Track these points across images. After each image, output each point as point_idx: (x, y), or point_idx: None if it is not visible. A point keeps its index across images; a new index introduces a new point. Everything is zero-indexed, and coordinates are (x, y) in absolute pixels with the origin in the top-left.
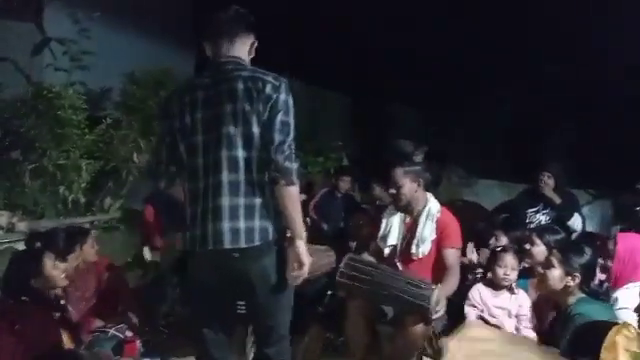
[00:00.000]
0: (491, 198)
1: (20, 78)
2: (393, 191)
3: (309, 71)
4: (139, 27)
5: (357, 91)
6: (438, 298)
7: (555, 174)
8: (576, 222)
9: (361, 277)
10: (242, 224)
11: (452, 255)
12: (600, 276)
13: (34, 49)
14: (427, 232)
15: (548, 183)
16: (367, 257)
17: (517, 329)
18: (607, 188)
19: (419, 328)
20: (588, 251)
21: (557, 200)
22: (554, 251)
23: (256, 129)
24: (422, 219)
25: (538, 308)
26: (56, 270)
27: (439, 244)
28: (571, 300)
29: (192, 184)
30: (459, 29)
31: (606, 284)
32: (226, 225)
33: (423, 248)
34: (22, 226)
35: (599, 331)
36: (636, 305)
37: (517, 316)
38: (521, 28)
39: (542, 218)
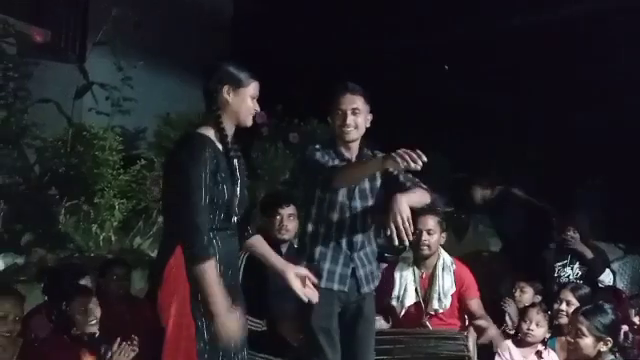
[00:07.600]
0: None
1: (61, 118)
2: (425, 239)
3: None
4: (177, 73)
5: (385, 138)
6: (474, 341)
7: (580, 227)
8: (607, 278)
9: (395, 349)
10: None
11: (479, 304)
12: (623, 327)
13: (77, 93)
14: (448, 285)
15: (575, 237)
16: (383, 323)
17: None
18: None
19: None
20: (609, 309)
21: (589, 254)
22: (581, 318)
23: None
24: (439, 272)
25: None
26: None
27: (461, 296)
28: None
29: None
30: (488, 77)
31: (631, 335)
32: None
33: (445, 302)
34: (52, 262)
35: None
36: None
37: None
38: (554, 79)
39: (570, 272)
